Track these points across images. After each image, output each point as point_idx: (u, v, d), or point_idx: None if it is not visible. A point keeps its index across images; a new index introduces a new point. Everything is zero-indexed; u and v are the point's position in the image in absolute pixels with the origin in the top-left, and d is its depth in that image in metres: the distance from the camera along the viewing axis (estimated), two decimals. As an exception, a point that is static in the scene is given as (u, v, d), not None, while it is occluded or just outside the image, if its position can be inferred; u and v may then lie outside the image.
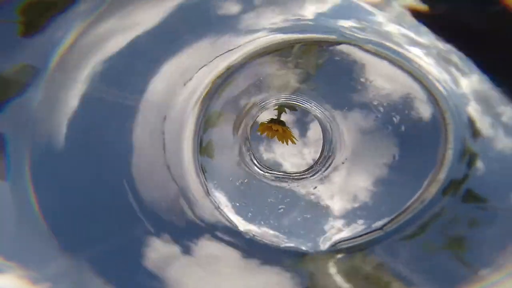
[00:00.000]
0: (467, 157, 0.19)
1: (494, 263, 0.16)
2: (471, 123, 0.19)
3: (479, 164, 0.18)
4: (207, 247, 0.20)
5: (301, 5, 0.20)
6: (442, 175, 0.20)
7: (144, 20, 0.17)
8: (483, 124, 0.18)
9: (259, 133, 0.30)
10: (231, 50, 0.21)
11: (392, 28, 0.19)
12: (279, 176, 0.28)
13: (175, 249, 0.19)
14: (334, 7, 0.20)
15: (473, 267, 0.17)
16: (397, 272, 0.18)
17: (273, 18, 0.20)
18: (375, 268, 0.19)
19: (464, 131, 0.19)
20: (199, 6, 0.18)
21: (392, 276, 0.18)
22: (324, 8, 0.20)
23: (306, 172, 0.29)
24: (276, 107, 0.31)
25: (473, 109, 0.18)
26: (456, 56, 0.18)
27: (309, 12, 0.20)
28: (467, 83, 0.18)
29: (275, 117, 0.31)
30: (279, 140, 0.30)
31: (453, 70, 0.19)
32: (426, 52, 0.20)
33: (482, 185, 0.18)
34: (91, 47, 0.17)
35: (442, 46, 0.17)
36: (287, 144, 0.30)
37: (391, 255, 0.19)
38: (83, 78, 0.17)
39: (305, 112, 0.31)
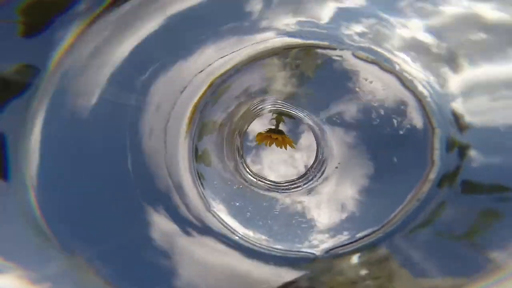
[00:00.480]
0: (457, 153, 0.19)
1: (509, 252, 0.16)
2: (457, 118, 0.19)
3: (474, 156, 0.18)
4: (206, 249, 0.20)
5: (300, 10, 0.20)
6: (433, 172, 0.20)
7: (145, 20, 0.17)
8: (472, 116, 0.18)
9: (256, 143, 0.30)
10: (231, 53, 0.21)
11: (397, 30, 0.19)
12: (270, 186, 0.28)
13: (174, 250, 0.19)
14: (338, 11, 0.20)
15: (488, 257, 0.17)
16: (404, 263, 0.18)
17: (269, 23, 0.20)
18: (377, 267, 0.19)
19: (449, 128, 0.19)
20: (202, 7, 0.18)
21: (399, 265, 0.18)
22: (328, 12, 0.20)
23: (301, 179, 0.29)
24: (274, 117, 0.30)
25: (462, 104, 0.19)
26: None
27: (308, 16, 0.20)
28: (460, 78, 0.18)
29: (273, 127, 0.31)
30: (277, 146, 0.30)
31: (444, 69, 0.19)
32: (416, 56, 0.20)
33: (483, 175, 0.18)
34: (92, 47, 0.17)
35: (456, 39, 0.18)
36: (286, 148, 0.30)
37: (395, 249, 0.20)
38: (83, 78, 0.17)
39: (297, 120, 0.31)
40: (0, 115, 0.16)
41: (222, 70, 0.23)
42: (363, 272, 0.19)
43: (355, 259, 0.20)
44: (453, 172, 0.19)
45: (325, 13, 0.20)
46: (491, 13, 0.17)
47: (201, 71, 0.22)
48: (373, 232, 0.21)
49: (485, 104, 0.18)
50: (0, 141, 0.16)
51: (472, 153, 0.18)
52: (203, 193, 0.23)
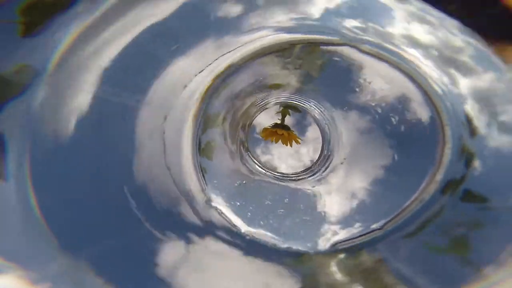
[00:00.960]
0: (465, 156, 0.19)
1: (496, 262, 0.16)
2: (468, 122, 0.19)
3: (478, 164, 0.18)
4: (207, 247, 0.20)
5: (305, 3, 0.20)
6: (440, 175, 0.20)
7: (145, 20, 0.17)
8: (482, 123, 0.18)
9: (263, 139, 0.30)
10: (233, 50, 0.21)
11: (397, 28, 0.19)
12: (278, 176, 0.28)
13: (175, 249, 0.19)
14: (342, 5, 0.20)
15: (475, 265, 0.17)
16: (397, 270, 0.18)
17: (275, 17, 0.20)
18: (375, 266, 0.19)
19: (461, 130, 0.19)
20: (201, 6, 0.18)
21: (392, 274, 0.18)
22: (330, 6, 0.20)
23: (305, 173, 0.29)
24: (279, 110, 0.31)
25: (471, 108, 0.19)
26: (469, 53, 0.18)
27: (313, 11, 0.20)
28: (469, 82, 0.18)
29: (278, 121, 0.31)
30: (283, 143, 0.30)
31: (453, 70, 0.19)
32: (425, 53, 0.20)
33: (482, 184, 0.18)
34: (92, 47, 0.17)
35: (460, 42, 0.17)
36: (291, 146, 0.30)
37: (391, 253, 0.19)
38: (83, 78, 0.17)
39: (304, 113, 0.31)
40: (0, 115, 0.16)
41: (223, 69, 0.22)
42: (357, 279, 0.19)
43: (350, 262, 0.20)
44: (458, 179, 0.19)
45: (327, 9, 0.20)
46: None
47: (202, 70, 0.21)
48: (375, 230, 0.21)
49: (491, 110, 0.18)
50: (0, 141, 0.16)
51: (477, 162, 0.18)
52: (205, 189, 0.23)
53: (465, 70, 0.18)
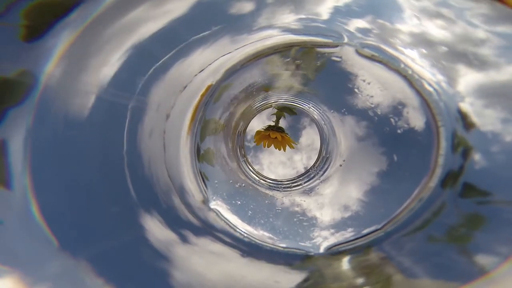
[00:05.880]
0: (461, 154, 0.19)
1: (499, 256, 0.16)
2: (464, 117, 0.19)
3: (478, 158, 0.18)
4: (206, 247, 0.20)
5: (300, 7, 0.20)
6: (437, 172, 0.20)
7: (147, 21, 0.18)
8: (482, 119, 0.18)
9: (255, 144, 0.29)
10: (231, 52, 0.22)
11: (406, 26, 0.19)
12: (274, 183, 0.28)
13: (174, 249, 0.19)
14: (351, 5, 0.20)
15: (477, 260, 0.17)
16: (400, 267, 0.18)
17: (279, 19, 0.20)
18: (375, 265, 0.19)
19: (456, 127, 0.19)
20: (202, 8, 0.18)
21: (395, 270, 0.18)
22: (339, 5, 0.20)
23: (303, 176, 0.29)
24: (274, 112, 0.30)
25: (470, 105, 0.19)
26: (493, 44, 0.17)
27: (319, 11, 0.20)
28: (481, 76, 0.18)
29: (272, 124, 0.30)
30: (276, 148, 0.29)
31: (462, 66, 0.19)
32: (428, 52, 0.20)
33: (482, 179, 0.18)
34: (93, 49, 0.17)
35: (482, 33, 0.17)
36: (285, 150, 0.29)
37: (394, 251, 0.19)
38: (85, 80, 0.18)
39: (298, 116, 0.30)
40: (2, 122, 0.16)
41: (223, 69, 0.23)
42: (360, 275, 0.19)
43: (353, 260, 0.20)
44: (456, 173, 0.19)
45: (326, 9, 0.20)
46: None
47: (201, 70, 0.22)
48: (375, 230, 0.21)
49: (491, 107, 0.18)
50: (2, 146, 0.16)
51: (475, 155, 0.18)
52: (205, 192, 0.23)
53: (479, 64, 0.18)
